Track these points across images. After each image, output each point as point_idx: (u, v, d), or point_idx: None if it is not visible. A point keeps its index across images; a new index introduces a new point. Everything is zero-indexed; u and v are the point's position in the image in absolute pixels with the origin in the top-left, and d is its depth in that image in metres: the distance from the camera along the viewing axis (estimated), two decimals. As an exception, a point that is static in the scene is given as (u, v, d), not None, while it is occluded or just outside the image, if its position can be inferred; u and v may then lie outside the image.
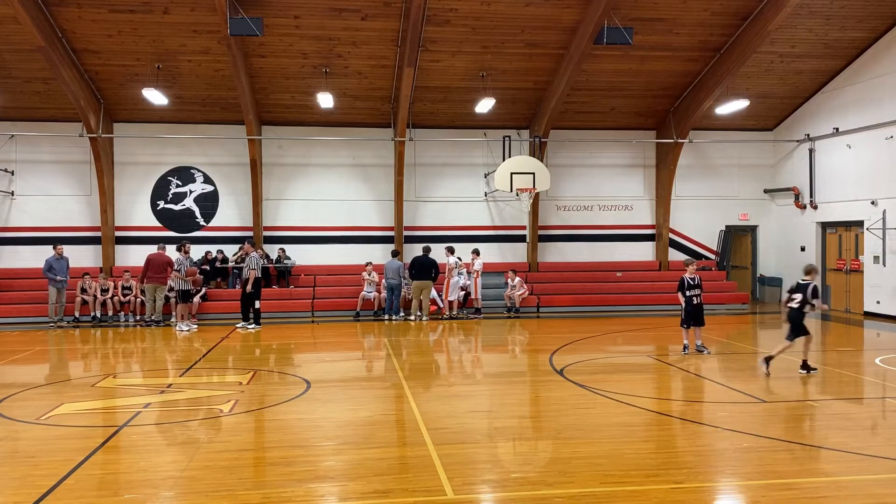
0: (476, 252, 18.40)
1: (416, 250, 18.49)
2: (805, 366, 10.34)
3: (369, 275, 18.47)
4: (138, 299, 17.54)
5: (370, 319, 17.90)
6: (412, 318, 17.62)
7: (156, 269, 16.56)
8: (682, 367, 11.08)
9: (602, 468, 6.24)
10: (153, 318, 16.82)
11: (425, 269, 17.57)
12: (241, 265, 17.13)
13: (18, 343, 14.31)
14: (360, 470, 6.25)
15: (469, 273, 18.36)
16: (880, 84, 17.76)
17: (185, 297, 16.24)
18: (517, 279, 18.79)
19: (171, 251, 16.90)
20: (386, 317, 17.96)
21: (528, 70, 18.04)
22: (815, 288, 10.20)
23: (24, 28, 14.81)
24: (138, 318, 17.46)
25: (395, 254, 18.35)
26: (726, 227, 21.61)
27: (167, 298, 17.05)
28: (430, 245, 18.28)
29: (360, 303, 18.21)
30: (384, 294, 18.17)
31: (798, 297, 10.26)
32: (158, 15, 15.36)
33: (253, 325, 16.16)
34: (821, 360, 12.23)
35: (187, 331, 14.91)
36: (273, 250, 19.61)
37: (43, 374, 11.33)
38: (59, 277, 16.81)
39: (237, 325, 16.22)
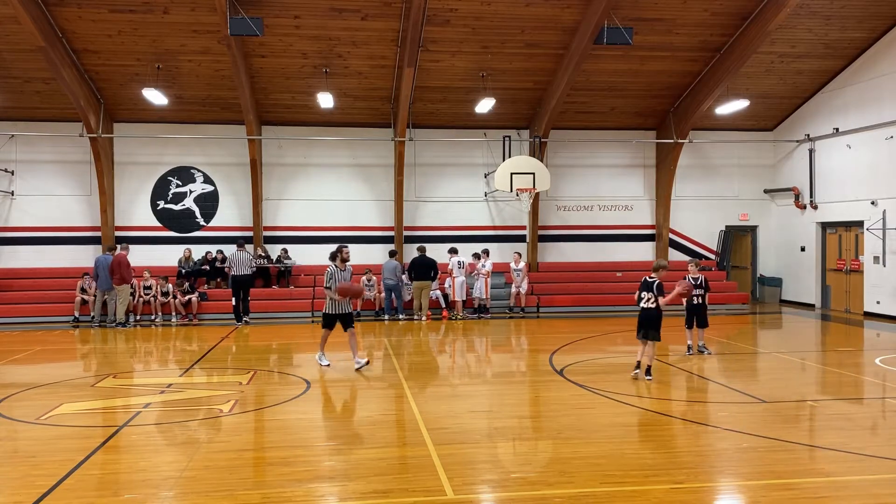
0: (477, 255, 18.32)
1: (416, 251, 18.47)
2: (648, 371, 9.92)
3: (369, 280, 18.47)
4: (140, 300, 17.54)
5: (370, 319, 17.90)
6: (415, 318, 17.64)
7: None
8: (682, 368, 11.08)
9: (602, 468, 6.24)
10: (113, 320, 16.68)
11: (424, 270, 17.59)
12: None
13: (18, 343, 14.31)
14: (360, 470, 6.25)
15: (470, 274, 18.33)
16: (880, 84, 17.76)
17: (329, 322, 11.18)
18: (522, 263, 18.65)
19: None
20: (386, 317, 17.96)
21: (528, 70, 18.04)
22: (659, 285, 9.73)
23: (24, 28, 14.81)
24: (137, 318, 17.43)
25: (393, 254, 18.33)
26: (726, 227, 21.60)
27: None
28: (431, 245, 18.26)
29: (360, 303, 18.19)
30: (384, 294, 18.17)
31: (648, 295, 9.78)
32: (158, 15, 15.36)
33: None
34: (821, 361, 12.26)
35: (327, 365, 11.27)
36: (273, 250, 19.60)
37: (43, 374, 11.31)
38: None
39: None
